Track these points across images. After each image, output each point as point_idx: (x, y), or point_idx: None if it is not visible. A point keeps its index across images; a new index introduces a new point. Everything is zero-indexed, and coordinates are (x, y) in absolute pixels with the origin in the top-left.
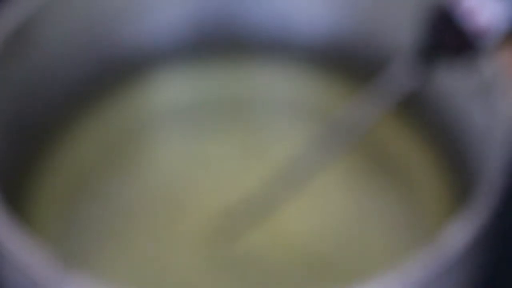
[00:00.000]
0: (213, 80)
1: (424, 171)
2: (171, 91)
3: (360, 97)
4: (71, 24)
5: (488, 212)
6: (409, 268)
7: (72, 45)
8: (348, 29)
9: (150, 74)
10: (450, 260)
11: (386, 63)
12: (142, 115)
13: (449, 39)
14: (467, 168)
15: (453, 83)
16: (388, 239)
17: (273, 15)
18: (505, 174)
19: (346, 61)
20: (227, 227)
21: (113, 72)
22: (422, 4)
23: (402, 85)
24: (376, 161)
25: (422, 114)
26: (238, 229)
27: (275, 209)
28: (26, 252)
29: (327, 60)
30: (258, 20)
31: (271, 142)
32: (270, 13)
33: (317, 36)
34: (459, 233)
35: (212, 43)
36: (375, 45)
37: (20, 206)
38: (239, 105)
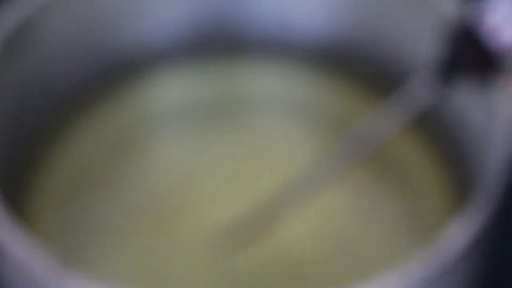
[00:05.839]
0: (213, 80)
1: (424, 171)
2: (171, 91)
3: (375, 110)
4: (71, 24)
5: (488, 212)
6: (409, 268)
7: (72, 45)
8: (348, 29)
9: (150, 74)
10: (450, 260)
11: (386, 63)
12: (142, 115)
13: (472, 57)
14: (467, 168)
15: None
16: (388, 239)
17: (273, 15)
18: (505, 174)
19: (347, 61)
20: (230, 233)
21: (113, 72)
22: (423, 5)
23: (419, 100)
24: (375, 161)
25: (421, 115)
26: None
27: (280, 222)
28: (26, 252)
29: (327, 60)
30: (258, 20)
31: (271, 141)
32: (270, 13)
33: (317, 36)
34: (459, 233)
35: (212, 43)
36: (375, 45)
37: (20, 206)
38: (239, 105)
